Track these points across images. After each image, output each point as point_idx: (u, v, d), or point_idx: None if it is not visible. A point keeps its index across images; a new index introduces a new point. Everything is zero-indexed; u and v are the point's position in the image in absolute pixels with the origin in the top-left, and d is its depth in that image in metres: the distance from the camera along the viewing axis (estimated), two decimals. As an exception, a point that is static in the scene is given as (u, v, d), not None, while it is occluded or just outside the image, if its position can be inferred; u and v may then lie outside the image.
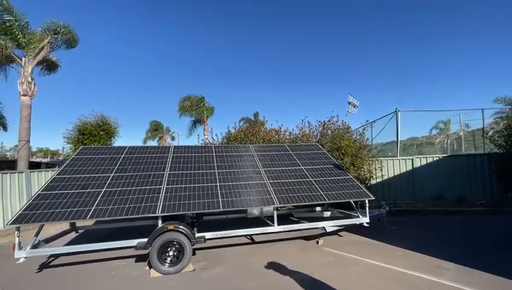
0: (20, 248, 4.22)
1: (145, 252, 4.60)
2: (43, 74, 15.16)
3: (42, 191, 4.88)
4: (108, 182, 5.31)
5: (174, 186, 5.38)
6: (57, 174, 5.42)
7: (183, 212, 4.74)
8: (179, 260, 4.52)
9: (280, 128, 9.84)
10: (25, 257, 4.25)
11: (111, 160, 6.15)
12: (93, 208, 4.50)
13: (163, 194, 5.06)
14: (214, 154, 6.93)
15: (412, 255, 4.95)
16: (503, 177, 9.15)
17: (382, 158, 10.09)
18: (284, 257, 5.03)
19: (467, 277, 3.86)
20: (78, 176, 5.45)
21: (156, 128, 38.89)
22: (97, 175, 5.51)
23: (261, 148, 7.63)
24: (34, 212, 4.31)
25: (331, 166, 6.91)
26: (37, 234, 4.57)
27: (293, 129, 10.05)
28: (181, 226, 4.61)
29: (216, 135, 10.45)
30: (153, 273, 4.36)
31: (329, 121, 9.85)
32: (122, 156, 6.37)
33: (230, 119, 29.51)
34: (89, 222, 6.40)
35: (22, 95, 13.53)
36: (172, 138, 41.67)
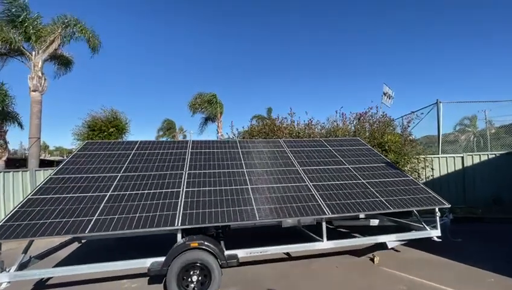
0: (2, 270, 3.24)
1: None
2: (58, 72, 14.59)
3: (33, 195, 3.90)
4: (115, 183, 4.29)
5: (196, 189, 4.29)
6: (54, 174, 4.45)
7: (209, 225, 3.64)
8: (205, 286, 3.43)
9: (311, 121, 8.60)
10: (8, 282, 3.28)
11: (119, 157, 5.14)
12: (94, 218, 3.47)
13: (182, 200, 3.98)
14: (240, 150, 5.81)
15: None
16: None
17: (431, 156, 8.66)
18: (339, 283, 3.86)
19: None
20: (79, 176, 4.45)
21: (170, 127, 38.36)
22: (102, 175, 4.50)
23: (294, 143, 6.45)
24: (20, 224, 3.32)
25: (382, 164, 5.65)
26: (25, 250, 3.57)
27: (323, 122, 8.80)
28: (207, 243, 3.52)
29: (237, 129, 9.41)
30: (171, 304, 3.30)
31: (365, 113, 8.53)
32: (133, 152, 5.35)
33: (240, 117, 28.35)
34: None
35: (32, 91, 12.95)
36: (184, 137, 41.09)
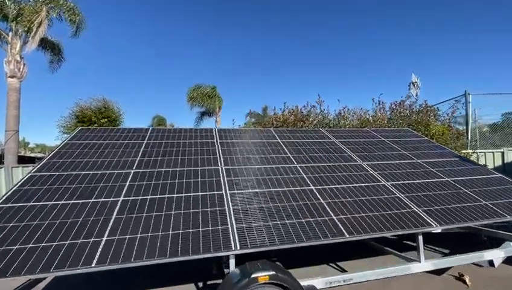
0: None
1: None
2: (52, 64, 12.78)
3: (3, 202, 2.54)
4: (127, 184, 2.98)
5: (245, 191, 3.05)
6: (36, 170, 3.09)
7: (282, 246, 2.41)
8: None
9: (344, 109, 7.44)
10: None
11: (127, 147, 3.81)
12: (103, 241, 2.18)
13: (231, 207, 2.74)
14: (280, 140, 4.59)
15: None
16: None
17: (481, 150, 7.72)
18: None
19: None
20: (73, 173, 3.11)
21: (160, 124, 36.61)
22: (106, 172, 3.17)
23: (338, 133, 5.29)
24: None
25: (455, 159, 4.59)
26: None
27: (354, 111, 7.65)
28: (280, 274, 2.29)
29: (245, 123, 8.19)
30: None
31: (403, 101, 7.48)
32: (145, 141, 4.03)
33: (235, 113, 26.93)
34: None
35: (9, 77, 11.26)
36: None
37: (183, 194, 2.86)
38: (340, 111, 7.28)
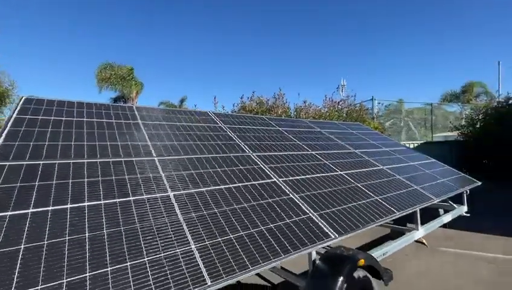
0: None
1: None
2: None
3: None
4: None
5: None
6: None
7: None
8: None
9: (305, 103, 7.90)
10: None
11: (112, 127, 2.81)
12: None
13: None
14: (286, 129, 4.46)
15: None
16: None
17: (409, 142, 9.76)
18: (432, 267, 3.47)
19: None
20: (34, 163, 2.07)
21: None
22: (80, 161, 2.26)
23: (321, 124, 5.63)
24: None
25: (402, 148, 5.74)
26: None
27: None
28: (371, 258, 2.29)
29: (223, 107, 7.67)
30: None
31: (343, 101, 8.69)
32: (139, 121, 3.09)
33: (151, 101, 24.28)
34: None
35: None
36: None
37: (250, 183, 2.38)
38: (300, 105, 7.82)
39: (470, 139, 10.81)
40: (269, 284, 3.38)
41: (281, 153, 3.45)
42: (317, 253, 2.36)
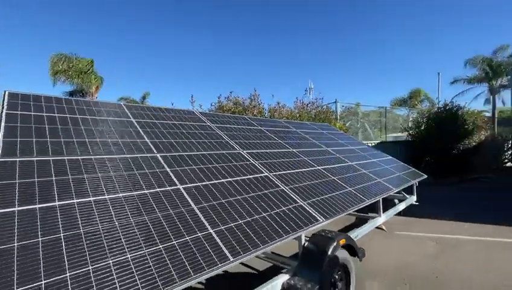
0: None
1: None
2: None
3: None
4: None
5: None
6: None
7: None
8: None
9: (279, 104, 8.33)
10: None
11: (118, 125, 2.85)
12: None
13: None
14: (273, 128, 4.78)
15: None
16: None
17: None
18: (390, 247, 4.14)
19: None
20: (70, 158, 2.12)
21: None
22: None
23: (296, 124, 6.08)
24: None
25: (365, 146, 6.48)
26: None
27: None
28: (350, 238, 2.73)
29: (200, 105, 7.66)
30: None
31: (311, 103, 9.37)
32: (133, 120, 3.13)
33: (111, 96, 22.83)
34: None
35: None
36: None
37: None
38: (274, 106, 8.24)
39: (416, 140, 12.36)
40: (256, 272, 3.69)
41: (266, 151, 3.78)
42: (306, 237, 2.73)
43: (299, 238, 2.57)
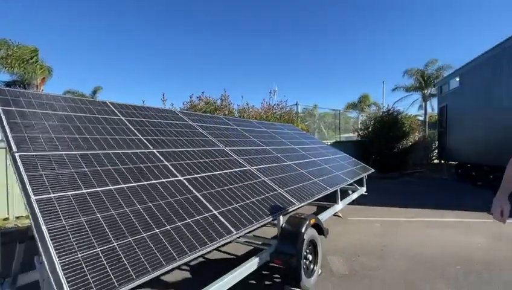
0: None
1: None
2: None
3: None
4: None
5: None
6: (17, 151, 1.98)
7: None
8: (313, 267, 3.28)
9: (248, 105, 8.77)
10: None
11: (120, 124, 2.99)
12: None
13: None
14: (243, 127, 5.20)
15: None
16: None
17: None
18: (347, 229, 4.97)
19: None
20: (77, 153, 2.28)
21: None
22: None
23: (265, 125, 6.61)
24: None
25: (324, 144, 7.35)
26: None
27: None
28: (318, 218, 3.33)
29: (172, 104, 7.63)
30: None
31: (277, 105, 10.08)
32: (123, 118, 3.28)
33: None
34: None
35: None
36: None
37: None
38: (244, 107, 8.68)
39: (365, 140, 14.01)
40: (234, 257, 4.11)
41: (245, 148, 4.23)
42: (283, 219, 3.25)
43: (278, 220, 3.08)
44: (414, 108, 24.65)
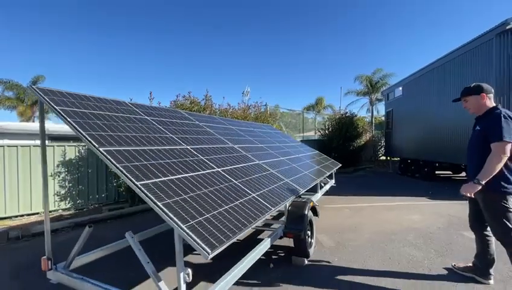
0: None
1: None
2: None
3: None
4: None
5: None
6: (104, 147, 2.31)
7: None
8: (310, 240, 4.11)
9: (229, 105, 9.23)
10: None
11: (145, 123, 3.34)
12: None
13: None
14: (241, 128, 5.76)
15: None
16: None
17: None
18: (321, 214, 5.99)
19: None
20: (144, 148, 2.67)
21: None
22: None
23: (248, 124, 7.25)
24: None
25: (299, 143, 8.33)
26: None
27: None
28: (315, 201, 4.15)
29: (159, 103, 7.61)
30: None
31: (253, 106, 10.81)
32: (149, 118, 3.61)
33: None
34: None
35: None
36: None
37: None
38: (226, 107, 9.13)
39: (325, 139, 15.63)
40: (237, 240, 4.72)
41: (248, 145, 4.85)
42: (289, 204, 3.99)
43: (285, 205, 3.82)
44: (363, 110, 27.84)
